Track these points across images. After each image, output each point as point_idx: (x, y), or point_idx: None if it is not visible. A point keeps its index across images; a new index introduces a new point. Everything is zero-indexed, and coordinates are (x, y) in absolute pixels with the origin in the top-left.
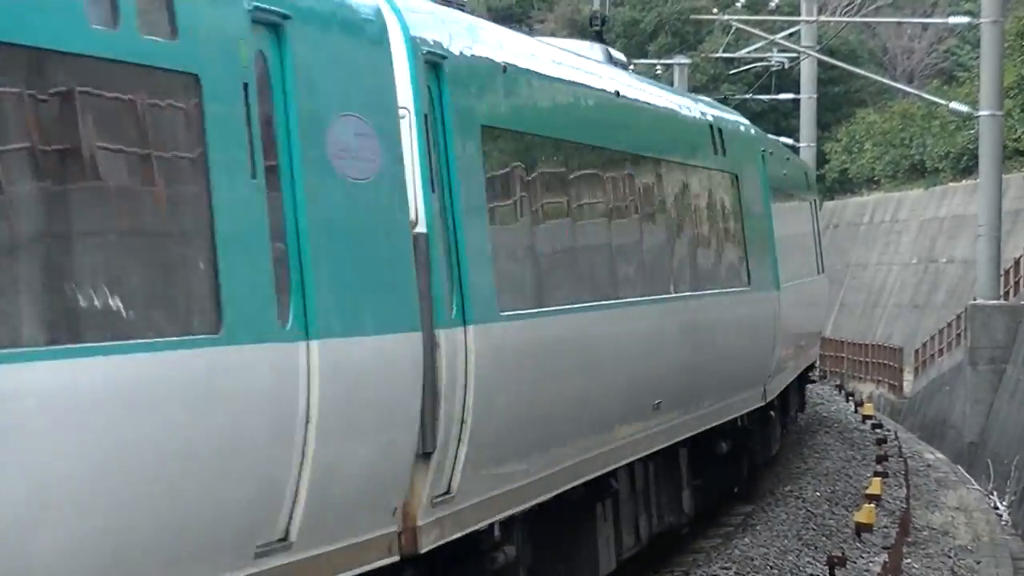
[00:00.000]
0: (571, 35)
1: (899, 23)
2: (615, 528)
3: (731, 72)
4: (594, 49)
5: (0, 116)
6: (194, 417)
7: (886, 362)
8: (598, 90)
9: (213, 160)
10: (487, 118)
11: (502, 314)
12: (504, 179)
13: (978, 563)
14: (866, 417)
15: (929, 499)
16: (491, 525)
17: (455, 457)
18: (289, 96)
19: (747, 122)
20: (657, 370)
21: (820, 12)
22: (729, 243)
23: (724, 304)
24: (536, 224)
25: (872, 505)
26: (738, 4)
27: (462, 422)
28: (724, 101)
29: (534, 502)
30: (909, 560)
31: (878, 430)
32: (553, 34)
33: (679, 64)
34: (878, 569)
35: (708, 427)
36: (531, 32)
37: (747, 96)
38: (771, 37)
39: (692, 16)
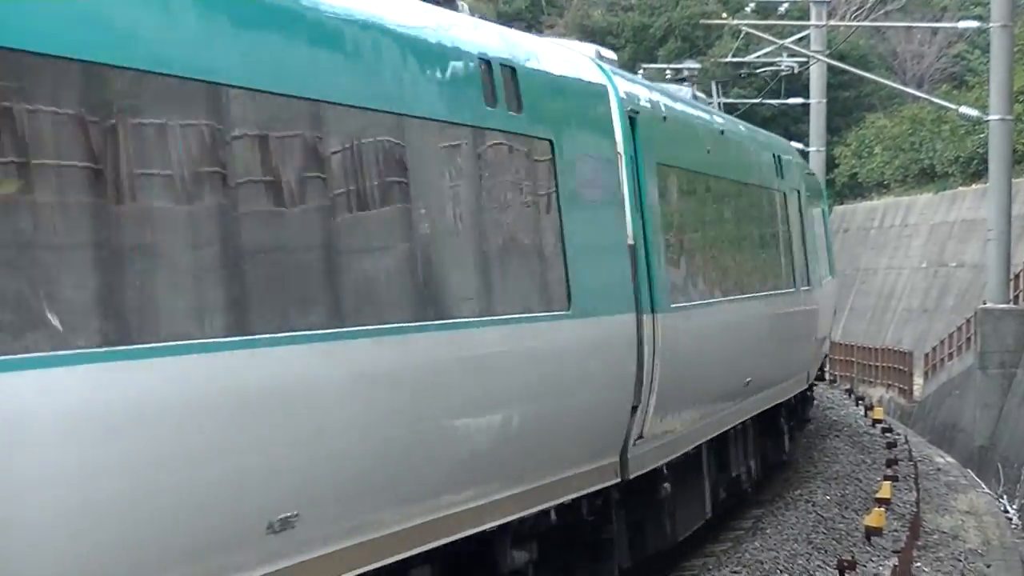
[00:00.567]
0: (581, 40)
1: (909, 27)
2: (724, 468)
3: (741, 76)
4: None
5: (455, 169)
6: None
7: (896, 366)
8: (712, 129)
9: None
10: (660, 158)
11: (672, 306)
12: (669, 204)
13: (988, 567)
14: (876, 421)
15: (939, 503)
16: (662, 464)
17: (646, 410)
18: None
19: (794, 150)
20: (751, 355)
21: (830, 16)
22: (793, 248)
23: (791, 300)
24: (689, 238)
25: (882, 509)
26: (748, 9)
27: (651, 383)
28: (733, 106)
29: (689, 448)
30: (919, 564)
31: (888, 434)
32: (563, 38)
33: (688, 68)
34: (888, 573)
35: (776, 402)
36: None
37: (757, 100)
38: (781, 42)
39: (702, 21)
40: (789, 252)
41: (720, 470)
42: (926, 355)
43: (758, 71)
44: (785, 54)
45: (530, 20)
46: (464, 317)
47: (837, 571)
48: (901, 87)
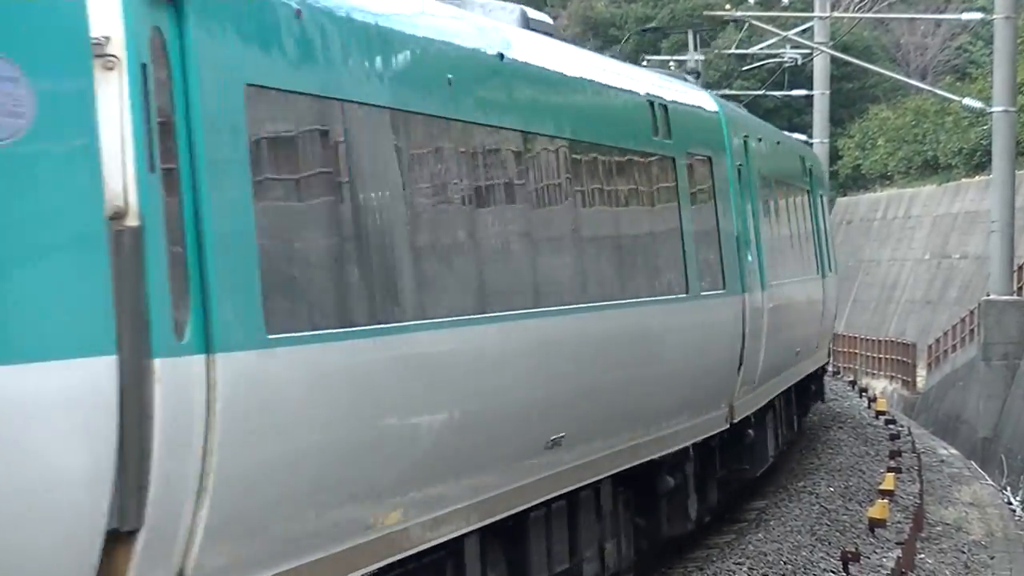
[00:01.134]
0: (584, 32)
1: (912, 19)
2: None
3: (744, 69)
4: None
5: (643, 184)
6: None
7: (899, 358)
8: (776, 141)
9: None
10: (759, 167)
11: (771, 285)
12: (762, 205)
13: (992, 558)
14: (879, 413)
15: (942, 494)
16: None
17: (741, 371)
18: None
19: (815, 155)
20: (801, 328)
21: (833, 8)
22: (820, 241)
23: (823, 285)
24: (772, 231)
25: (885, 501)
26: (751, 1)
27: (742, 351)
28: (736, 98)
29: (764, 403)
30: (923, 555)
31: (891, 426)
32: (566, 30)
33: (692, 61)
34: (892, 564)
35: (813, 368)
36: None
37: (760, 92)
38: (784, 33)
39: (705, 12)
40: (819, 244)
41: (781, 422)
42: (929, 347)
43: (761, 63)
44: (788, 46)
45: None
46: (662, 295)
47: (840, 563)
48: (904, 79)
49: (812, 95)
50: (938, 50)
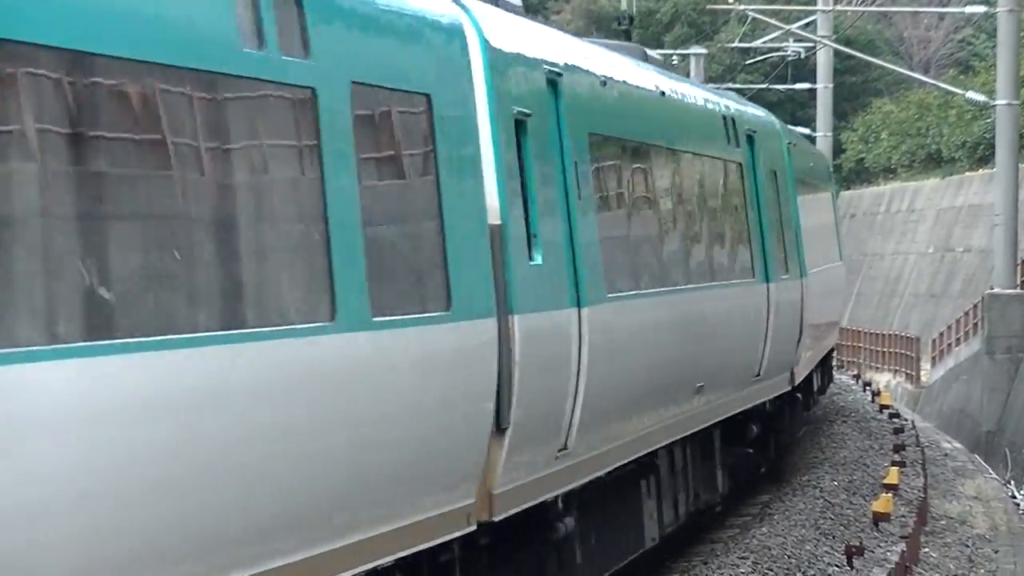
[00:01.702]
0: (587, 26)
1: (915, 12)
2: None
3: (747, 62)
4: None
5: (721, 184)
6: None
7: (903, 352)
8: (808, 150)
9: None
10: (797, 172)
11: (807, 275)
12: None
13: (996, 552)
14: (883, 407)
15: (946, 488)
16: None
17: (800, 342)
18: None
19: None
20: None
21: (836, 1)
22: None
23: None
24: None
25: (889, 494)
26: None
27: (801, 325)
28: (740, 92)
29: (810, 369)
30: (927, 549)
31: (895, 419)
32: (569, 24)
33: (695, 54)
34: (896, 558)
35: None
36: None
37: (763, 86)
38: (787, 27)
39: (708, 6)
40: (837, 235)
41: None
42: (933, 340)
43: (765, 57)
44: (792, 39)
45: (536, 6)
46: (758, 280)
47: (845, 557)
48: (908, 72)
49: (815, 89)
50: (941, 43)
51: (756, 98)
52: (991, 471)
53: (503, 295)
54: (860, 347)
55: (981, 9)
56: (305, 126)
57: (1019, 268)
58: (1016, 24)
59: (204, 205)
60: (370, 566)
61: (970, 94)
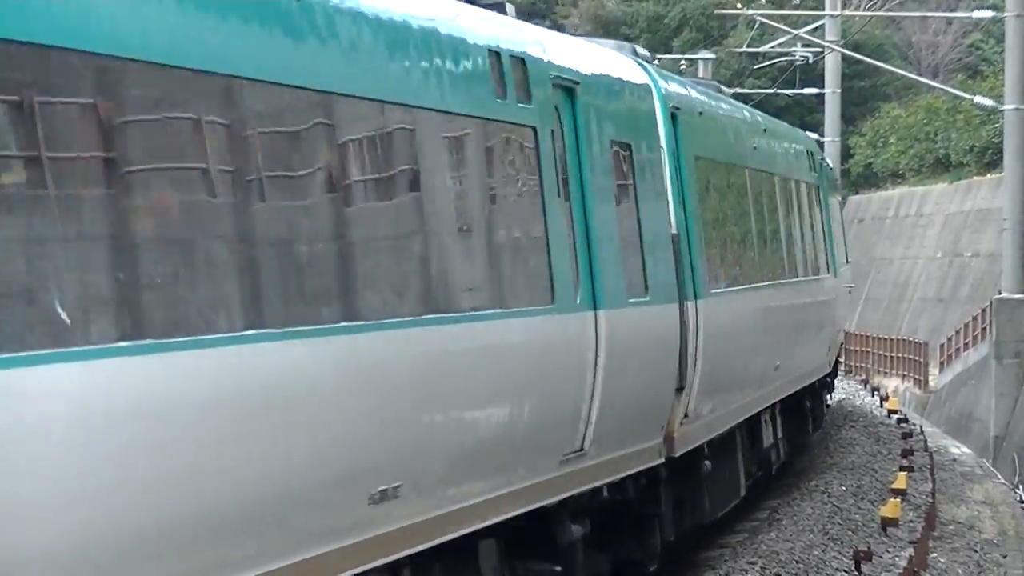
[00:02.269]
0: (595, 30)
1: (924, 17)
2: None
3: (755, 67)
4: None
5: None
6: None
7: (911, 356)
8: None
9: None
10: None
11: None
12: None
13: (1004, 557)
14: (891, 412)
15: (955, 493)
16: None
17: (838, 334)
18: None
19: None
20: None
21: (844, 6)
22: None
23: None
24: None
25: (898, 499)
26: None
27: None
28: (748, 97)
29: (837, 354)
30: (935, 554)
31: (903, 424)
32: (577, 29)
33: (704, 59)
34: (904, 563)
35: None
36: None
37: (771, 91)
38: (795, 32)
39: (716, 11)
40: (844, 237)
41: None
42: (941, 345)
43: (773, 61)
44: (800, 44)
45: (544, 11)
46: (813, 276)
47: (853, 562)
48: (916, 77)
49: (824, 93)
50: (950, 48)
51: (764, 103)
52: (999, 476)
53: (680, 286)
54: (868, 352)
55: (989, 14)
56: (622, 166)
57: None
58: None
59: (476, 214)
60: (607, 481)
61: (978, 99)
